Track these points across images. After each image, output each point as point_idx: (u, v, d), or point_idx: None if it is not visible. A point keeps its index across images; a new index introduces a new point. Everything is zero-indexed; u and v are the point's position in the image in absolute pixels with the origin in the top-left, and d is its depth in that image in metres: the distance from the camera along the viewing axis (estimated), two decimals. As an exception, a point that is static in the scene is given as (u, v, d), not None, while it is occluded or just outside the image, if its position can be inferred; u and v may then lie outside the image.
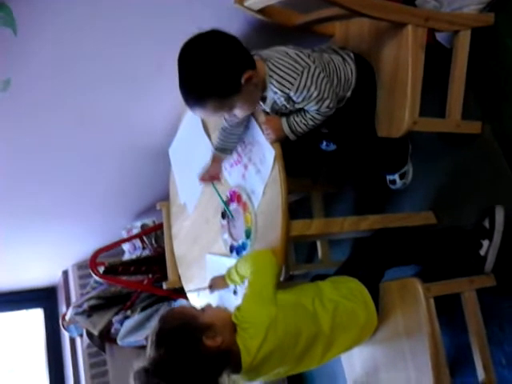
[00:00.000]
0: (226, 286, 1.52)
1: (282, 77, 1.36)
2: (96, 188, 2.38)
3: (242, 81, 1.30)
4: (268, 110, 1.48)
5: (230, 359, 1.17)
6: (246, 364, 1.18)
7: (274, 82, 1.37)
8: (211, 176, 1.64)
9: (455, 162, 1.70)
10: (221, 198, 1.66)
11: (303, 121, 1.45)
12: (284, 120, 1.47)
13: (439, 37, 1.63)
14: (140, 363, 1.12)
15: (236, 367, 1.18)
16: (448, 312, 1.54)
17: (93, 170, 2.25)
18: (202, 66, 1.28)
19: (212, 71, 1.28)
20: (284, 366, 1.27)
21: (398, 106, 1.46)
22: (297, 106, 1.45)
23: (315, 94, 1.38)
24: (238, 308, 1.24)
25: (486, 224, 1.52)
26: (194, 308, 1.29)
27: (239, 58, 1.31)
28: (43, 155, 2.07)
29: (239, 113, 1.41)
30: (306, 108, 1.44)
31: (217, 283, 1.55)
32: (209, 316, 1.22)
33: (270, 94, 1.42)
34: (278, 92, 1.39)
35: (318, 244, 2.17)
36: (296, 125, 1.46)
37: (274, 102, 1.45)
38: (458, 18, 1.52)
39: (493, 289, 1.51)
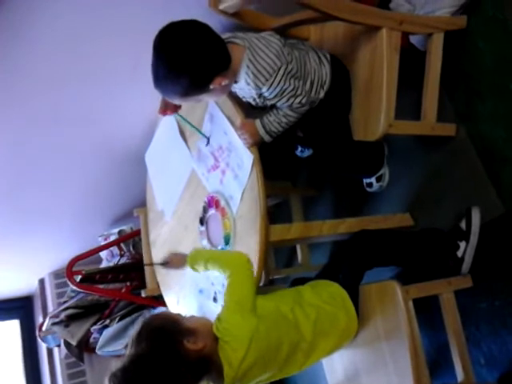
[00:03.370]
0: (183, 267, 1.47)
1: (258, 70, 1.36)
2: (72, 194, 2.34)
3: (211, 86, 1.32)
4: (237, 92, 1.49)
5: (212, 369, 1.16)
6: (229, 378, 1.16)
7: (250, 74, 1.37)
8: (175, 106, 1.55)
9: (431, 163, 1.72)
10: (190, 124, 1.65)
11: (276, 119, 1.45)
12: (258, 121, 1.47)
13: (413, 40, 1.64)
14: (117, 364, 1.10)
15: (218, 379, 1.16)
16: (426, 314, 1.55)
17: (69, 175, 2.22)
18: (173, 69, 1.28)
19: (182, 77, 1.29)
20: (266, 373, 1.26)
21: (374, 109, 1.47)
22: (268, 103, 1.45)
23: (288, 90, 1.39)
24: (219, 319, 1.22)
25: (463, 225, 1.53)
26: (178, 314, 1.27)
27: (212, 62, 1.30)
28: (16, 160, 2.02)
29: (206, 100, 1.44)
30: (278, 105, 1.44)
31: (174, 262, 1.49)
32: (192, 322, 1.21)
33: (242, 82, 1.41)
34: (251, 84, 1.39)
35: (298, 248, 2.17)
36: (270, 124, 1.46)
37: (244, 89, 1.45)
38: (431, 21, 1.54)
39: (469, 289, 1.53)
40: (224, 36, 1.38)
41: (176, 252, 1.54)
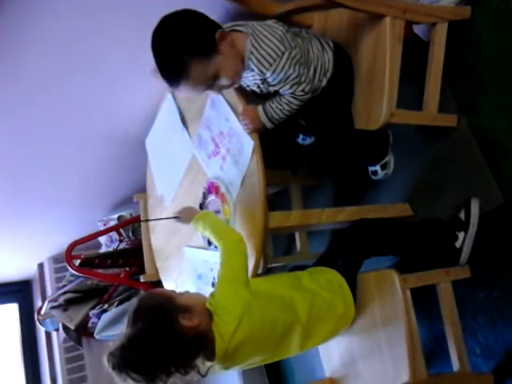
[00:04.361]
0: (189, 223, 1.47)
1: (262, 56, 1.36)
2: (72, 179, 2.35)
3: (216, 38, 1.31)
4: (242, 83, 1.49)
5: (207, 345, 1.16)
6: (221, 351, 1.17)
7: (254, 59, 1.37)
8: None
9: (431, 154, 1.72)
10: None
11: (279, 106, 1.45)
12: (260, 107, 1.47)
13: (417, 29, 1.63)
14: (115, 344, 1.11)
15: (210, 354, 1.17)
16: (424, 303, 1.56)
17: (68, 160, 2.22)
18: (174, 37, 1.30)
19: (185, 37, 1.29)
20: (259, 354, 1.27)
21: (376, 98, 1.46)
22: (271, 89, 1.45)
23: (292, 77, 1.39)
24: (213, 295, 1.23)
25: (462, 216, 1.54)
26: (172, 291, 1.28)
27: (209, 22, 1.33)
28: (16, 146, 2.02)
29: (225, 80, 1.38)
30: (281, 91, 1.44)
31: (184, 215, 1.52)
32: (187, 298, 1.21)
33: (247, 70, 1.41)
34: (255, 69, 1.38)
35: (297, 236, 2.17)
36: (272, 111, 1.45)
37: (247, 77, 1.45)
38: (435, 11, 1.53)
39: (466, 280, 1.53)
40: (226, 25, 1.39)
41: (190, 206, 1.56)
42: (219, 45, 1.32)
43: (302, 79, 1.40)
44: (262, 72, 1.38)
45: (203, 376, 1.16)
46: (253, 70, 1.39)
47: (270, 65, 1.36)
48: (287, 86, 1.41)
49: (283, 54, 1.36)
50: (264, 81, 1.43)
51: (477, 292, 1.57)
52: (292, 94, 1.43)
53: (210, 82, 1.37)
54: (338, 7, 1.42)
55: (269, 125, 1.47)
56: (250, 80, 1.46)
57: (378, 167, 1.82)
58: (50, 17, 1.52)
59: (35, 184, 2.29)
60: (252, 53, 1.36)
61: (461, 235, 1.52)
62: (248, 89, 1.53)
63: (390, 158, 1.81)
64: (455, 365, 1.45)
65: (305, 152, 2.08)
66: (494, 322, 1.53)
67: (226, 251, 1.29)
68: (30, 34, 1.55)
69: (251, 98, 1.54)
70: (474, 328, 1.58)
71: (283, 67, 1.37)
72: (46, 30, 1.57)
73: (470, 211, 1.52)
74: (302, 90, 1.42)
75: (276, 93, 1.46)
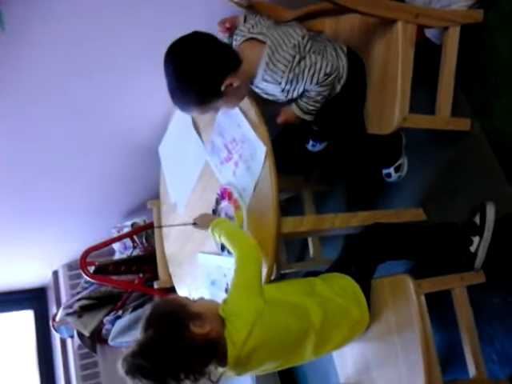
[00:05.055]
0: (207, 229, 1.49)
1: (275, 66, 1.39)
2: (86, 187, 2.37)
3: (222, 88, 1.35)
4: (258, 91, 1.51)
5: (217, 351, 1.16)
6: (233, 357, 1.16)
7: (268, 71, 1.40)
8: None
9: (445, 157, 1.71)
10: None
11: (311, 99, 1.48)
12: (294, 105, 1.50)
13: (429, 33, 1.63)
14: (128, 350, 1.12)
15: (222, 360, 1.17)
16: (439, 309, 1.54)
17: (82, 168, 2.24)
18: (181, 77, 1.36)
19: (191, 83, 1.35)
20: (273, 361, 1.26)
21: (388, 103, 1.46)
22: (295, 95, 1.47)
23: (308, 68, 1.41)
24: (225, 301, 1.24)
25: (477, 220, 1.52)
26: (186, 298, 1.28)
27: (218, 64, 1.36)
28: (31, 155, 2.05)
29: (226, 109, 1.48)
30: (307, 88, 1.46)
31: (201, 222, 1.55)
32: (199, 305, 1.22)
33: (259, 79, 1.44)
34: (270, 79, 1.41)
35: (310, 241, 2.17)
36: (306, 105, 1.49)
37: (263, 89, 1.48)
38: (447, 15, 1.53)
39: (482, 285, 1.51)
40: (252, 29, 1.44)
41: (206, 213, 1.59)
42: (223, 91, 1.36)
43: (318, 66, 1.42)
44: (276, 81, 1.41)
45: (215, 382, 1.16)
46: (267, 81, 1.42)
47: (283, 72, 1.39)
48: (308, 80, 1.42)
49: (293, 58, 1.39)
50: (283, 90, 1.45)
51: (492, 297, 1.55)
52: (316, 83, 1.44)
53: (216, 110, 1.48)
54: (350, 12, 1.43)
55: (308, 117, 1.52)
56: (264, 89, 1.48)
57: (391, 169, 1.82)
58: (51, 18, 1.53)
59: (50, 192, 2.31)
60: (267, 65, 1.39)
61: (476, 240, 1.50)
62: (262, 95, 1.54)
63: (403, 161, 1.80)
64: (471, 371, 1.43)
65: (315, 158, 2.08)
66: (510, 328, 1.51)
67: (240, 258, 1.29)
68: (32, 36, 1.56)
69: (263, 102, 1.55)
70: (490, 334, 1.55)
71: (294, 68, 1.39)
72: (49, 32, 1.58)
73: (485, 216, 1.50)
74: (325, 74, 1.43)
75: (302, 94, 1.48)
